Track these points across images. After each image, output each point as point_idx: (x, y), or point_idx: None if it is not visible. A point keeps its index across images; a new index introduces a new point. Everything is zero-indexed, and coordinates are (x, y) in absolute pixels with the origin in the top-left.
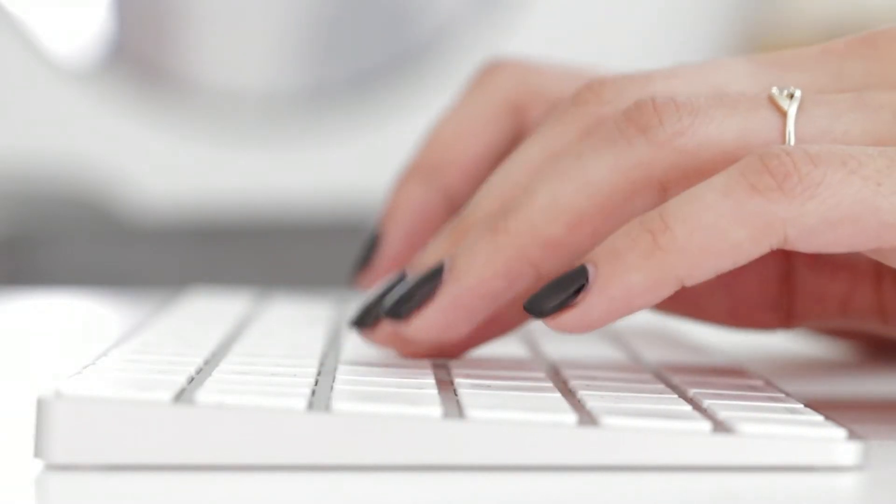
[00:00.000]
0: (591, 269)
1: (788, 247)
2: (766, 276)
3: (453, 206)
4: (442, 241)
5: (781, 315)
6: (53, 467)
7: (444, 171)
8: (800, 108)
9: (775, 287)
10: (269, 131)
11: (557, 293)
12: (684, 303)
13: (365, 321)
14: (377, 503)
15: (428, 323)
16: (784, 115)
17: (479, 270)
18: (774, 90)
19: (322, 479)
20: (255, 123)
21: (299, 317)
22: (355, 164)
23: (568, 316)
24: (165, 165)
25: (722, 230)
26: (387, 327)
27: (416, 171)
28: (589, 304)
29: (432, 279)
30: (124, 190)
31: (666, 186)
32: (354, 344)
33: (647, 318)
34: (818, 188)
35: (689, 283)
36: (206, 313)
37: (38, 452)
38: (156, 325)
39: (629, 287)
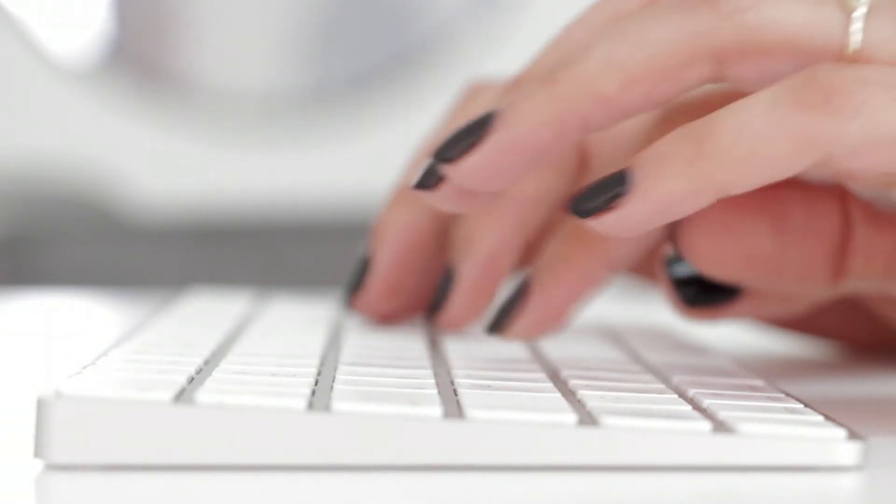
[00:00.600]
0: (634, 172)
1: (829, 163)
2: (832, 227)
3: (442, 224)
4: (497, 94)
5: (833, 269)
6: (53, 467)
7: None
8: (869, 12)
9: (836, 239)
10: (269, 131)
11: (600, 194)
12: (760, 260)
13: (427, 182)
14: (377, 503)
15: (475, 168)
16: (849, 14)
17: (529, 119)
18: None
19: (322, 479)
20: (255, 123)
21: (299, 317)
22: (355, 164)
23: (609, 218)
24: (165, 165)
25: (766, 141)
26: (447, 188)
27: (404, 191)
28: (630, 207)
29: (483, 125)
30: (124, 190)
31: (723, 60)
32: (354, 344)
33: (648, 319)
34: (863, 108)
35: (730, 192)
36: (206, 313)
37: (38, 452)
38: (156, 325)
39: (670, 193)
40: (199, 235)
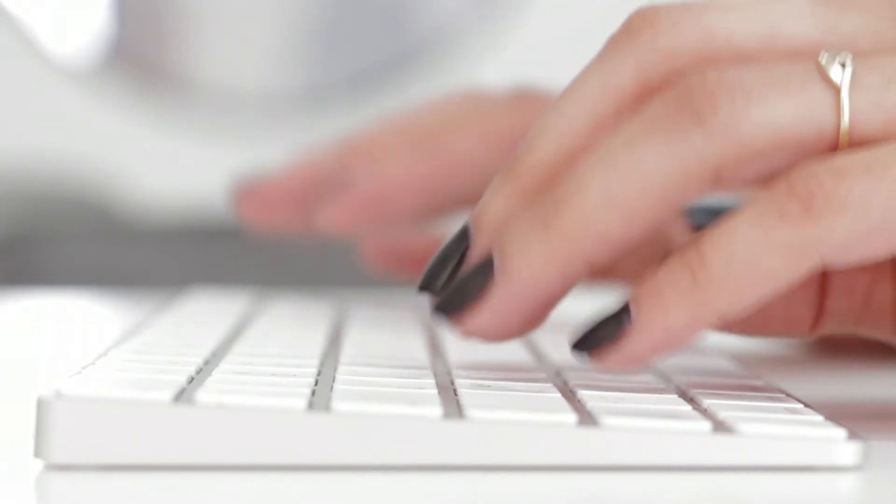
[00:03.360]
0: (633, 308)
1: (828, 267)
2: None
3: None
4: (493, 209)
5: (813, 313)
6: (53, 467)
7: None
8: (853, 80)
9: (811, 281)
10: (268, 131)
11: (602, 332)
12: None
13: (435, 282)
14: (377, 503)
15: (482, 324)
16: (837, 90)
17: (533, 272)
18: (823, 59)
19: (322, 479)
20: (255, 123)
21: (299, 317)
22: None
23: (612, 353)
24: (165, 165)
25: (757, 261)
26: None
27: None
28: (632, 342)
29: (483, 273)
30: (124, 190)
31: (720, 174)
32: (354, 344)
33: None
34: (846, 202)
35: (730, 315)
36: (206, 313)
37: (38, 452)
38: (156, 325)
39: (670, 325)
40: (199, 235)
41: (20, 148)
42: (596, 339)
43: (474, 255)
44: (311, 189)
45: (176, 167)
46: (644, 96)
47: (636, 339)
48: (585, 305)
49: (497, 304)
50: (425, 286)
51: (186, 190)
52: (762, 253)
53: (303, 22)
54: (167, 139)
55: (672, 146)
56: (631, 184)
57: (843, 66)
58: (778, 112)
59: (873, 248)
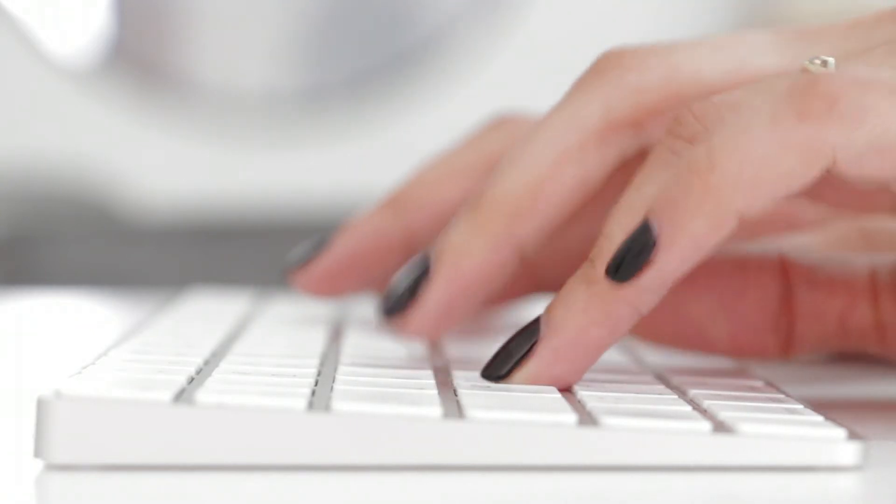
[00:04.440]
0: (654, 225)
1: (836, 171)
2: (765, 297)
3: (412, 242)
4: (455, 240)
5: (782, 339)
6: (53, 467)
7: (413, 209)
8: (838, 63)
9: (774, 308)
10: (268, 131)
11: (633, 257)
12: (687, 335)
13: (395, 308)
14: (377, 503)
15: (531, 377)
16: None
17: (579, 321)
18: (807, 62)
19: (322, 479)
20: (254, 123)
21: (299, 317)
22: (355, 164)
23: (647, 277)
24: (165, 165)
25: (773, 160)
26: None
27: (388, 203)
28: (663, 261)
29: (530, 336)
30: (124, 190)
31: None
32: (354, 344)
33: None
34: (868, 113)
35: (749, 214)
36: (206, 313)
37: (38, 452)
38: (156, 325)
39: (695, 234)
40: (199, 235)
41: (20, 148)
42: (629, 265)
43: (432, 287)
44: (373, 260)
45: (176, 167)
46: (609, 132)
47: (666, 256)
48: None
49: (547, 357)
50: (387, 312)
51: (186, 190)
52: (779, 151)
53: (303, 22)
54: (167, 139)
55: (672, 169)
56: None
57: (826, 64)
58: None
59: (881, 166)
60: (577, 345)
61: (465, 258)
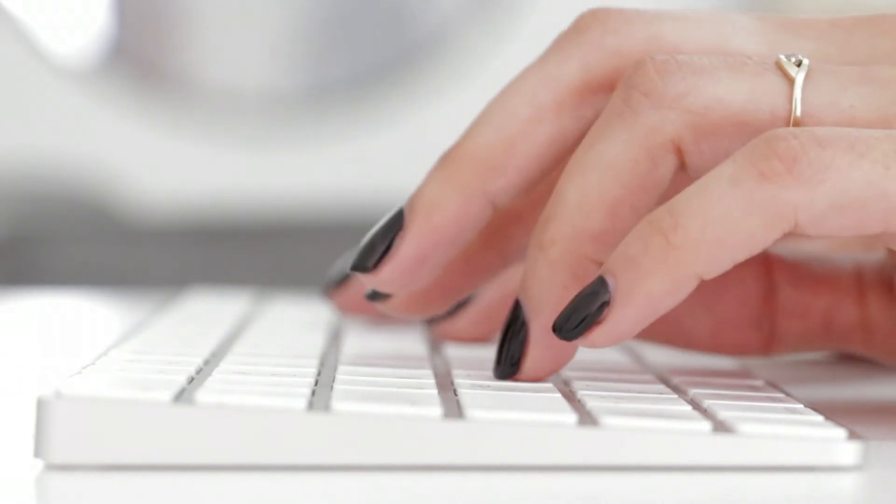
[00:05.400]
0: (610, 282)
1: (799, 232)
2: (747, 294)
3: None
4: (427, 193)
5: (764, 336)
6: (53, 467)
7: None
8: (807, 77)
9: (757, 305)
10: (268, 131)
11: (582, 312)
12: (667, 330)
13: (367, 262)
14: (377, 503)
15: (537, 363)
16: (791, 81)
17: (552, 293)
18: (782, 56)
19: (322, 479)
20: (254, 123)
21: (299, 317)
22: (355, 164)
23: (597, 333)
24: (165, 165)
25: (734, 221)
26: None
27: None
28: (616, 317)
29: (518, 323)
30: (124, 190)
31: (681, 148)
32: (354, 344)
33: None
34: (827, 172)
35: (708, 276)
36: (206, 313)
37: (38, 452)
38: (156, 325)
39: (651, 293)
40: (199, 235)
41: (20, 148)
42: (579, 320)
43: (406, 238)
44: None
45: (176, 167)
46: (586, 92)
47: (620, 313)
48: None
49: (539, 338)
50: (357, 268)
51: (186, 190)
52: (740, 212)
53: (303, 22)
54: (167, 139)
55: (628, 129)
56: (601, 178)
57: (800, 64)
58: (730, 90)
59: (844, 224)
60: (549, 315)
61: (437, 211)
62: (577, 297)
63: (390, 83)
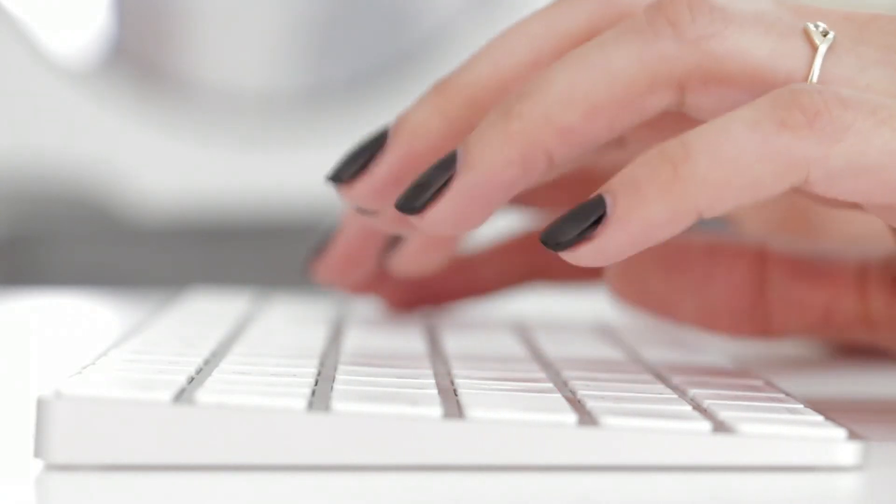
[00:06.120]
0: (609, 200)
1: (808, 188)
2: (735, 284)
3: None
4: (414, 117)
5: (758, 324)
6: (53, 467)
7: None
8: (830, 49)
9: (747, 295)
10: (268, 131)
11: (575, 225)
12: (654, 300)
13: (343, 174)
14: (377, 503)
15: (443, 215)
16: (815, 49)
17: (493, 159)
18: (810, 24)
19: (322, 479)
20: (254, 123)
21: (299, 317)
22: None
23: (585, 249)
24: (166, 165)
25: (746, 164)
26: (391, 213)
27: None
28: (607, 237)
29: (445, 169)
30: (124, 190)
31: (685, 88)
32: (354, 344)
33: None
34: (847, 132)
35: (708, 215)
36: (206, 313)
37: (38, 452)
38: (156, 325)
39: (648, 220)
40: (199, 235)
41: (20, 148)
42: (569, 233)
43: (385, 158)
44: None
45: (176, 167)
46: None
47: (612, 234)
48: (585, 306)
49: (456, 193)
50: (334, 178)
51: (186, 190)
52: (753, 156)
53: (303, 22)
54: (167, 139)
55: (643, 47)
56: (595, 79)
57: (826, 35)
58: (754, 44)
59: (855, 188)
60: (490, 183)
61: (420, 138)
62: (572, 209)
63: (390, 83)
